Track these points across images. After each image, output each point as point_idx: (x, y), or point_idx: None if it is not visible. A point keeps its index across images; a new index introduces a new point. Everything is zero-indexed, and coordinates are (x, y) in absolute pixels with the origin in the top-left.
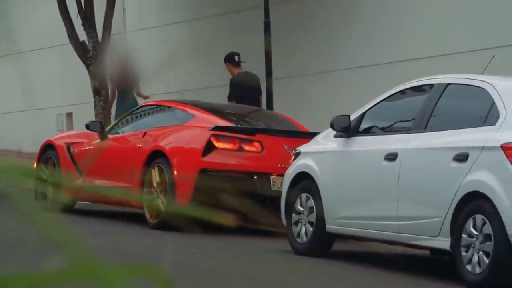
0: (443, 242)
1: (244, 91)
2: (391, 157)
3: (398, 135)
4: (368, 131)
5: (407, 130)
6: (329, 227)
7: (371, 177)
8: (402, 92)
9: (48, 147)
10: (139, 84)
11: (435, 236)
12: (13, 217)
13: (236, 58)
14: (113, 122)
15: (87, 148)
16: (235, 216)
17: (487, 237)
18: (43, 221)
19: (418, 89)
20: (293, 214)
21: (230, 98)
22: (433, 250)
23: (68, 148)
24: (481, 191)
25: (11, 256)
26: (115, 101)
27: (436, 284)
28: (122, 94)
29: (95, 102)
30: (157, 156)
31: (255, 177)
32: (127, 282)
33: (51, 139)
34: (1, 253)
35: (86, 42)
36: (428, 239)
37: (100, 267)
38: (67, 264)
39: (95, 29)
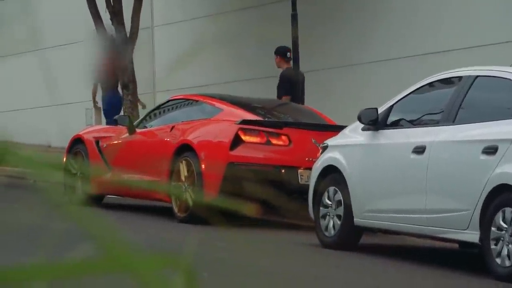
0: (472, 235)
1: (292, 87)
2: (420, 150)
3: (426, 128)
4: (396, 124)
5: (436, 123)
6: (357, 220)
7: (399, 170)
8: (430, 84)
9: (77, 141)
10: (122, 79)
11: (464, 229)
12: (40, 210)
13: (288, 54)
14: (103, 118)
15: (116, 142)
16: (260, 207)
17: None
18: (75, 213)
19: (447, 81)
20: (321, 208)
21: (282, 93)
22: (462, 243)
23: (97, 142)
24: (510, 184)
25: (36, 248)
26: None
27: (465, 277)
28: (108, 89)
29: (123, 96)
30: (185, 150)
31: (283, 170)
32: (157, 272)
33: (80, 134)
34: (26, 246)
35: (114, 37)
36: (457, 232)
37: (128, 257)
38: (93, 254)
39: (123, 24)
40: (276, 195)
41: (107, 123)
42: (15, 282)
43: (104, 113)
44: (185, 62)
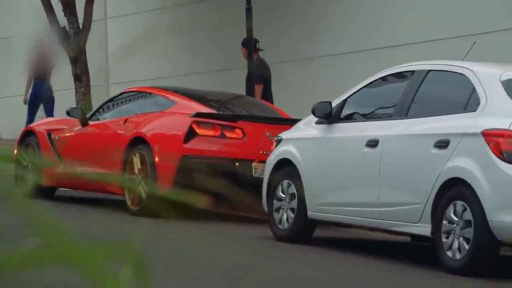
0: (424, 228)
1: (265, 77)
2: (373, 143)
3: (379, 121)
4: (349, 118)
5: (388, 117)
6: (311, 213)
7: (353, 163)
8: (383, 78)
9: (29, 133)
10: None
11: (416, 222)
12: None
13: (257, 44)
14: (27, 110)
15: (68, 134)
16: (214, 200)
17: (467, 223)
18: (19, 205)
19: (399, 75)
20: (275, 201)
21: (259, 80)
22: (414, 237)
23: (49, 134)
24: (461, 177)
25: None
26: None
27: (417, 270)
28: (38, 81)
29: (76, 88)
30: (138, 143)
31: (237, 163)
32: (102, 262)
33: (31, 126)
34: None
35: (67, 28)
36: (409, 225)
37: (74, 248)
38: (40, 245)
39: (75, 15)
40: (230, 188)
41: (28, 115)
42: None
43: (28, 104)
44: (133, 50)
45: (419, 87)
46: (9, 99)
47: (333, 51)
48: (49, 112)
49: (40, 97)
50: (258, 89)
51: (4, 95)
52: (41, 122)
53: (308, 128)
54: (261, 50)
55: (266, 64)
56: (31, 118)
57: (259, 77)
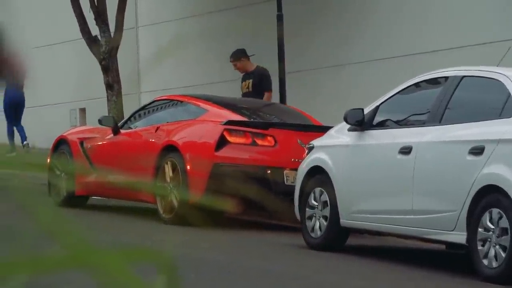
0: (459, 236)
1: (269, 86)
2: (406, 150)
3: (412, 128)
4: (382, 125)
5: (422, 123)
6: (343, 221)
7: (386, 170)
8: (417, 85)
9: (61, 142)
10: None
11: (451, 230)
12: (19, 211)
13: (248, 52)
14: (6, 119)
15: (100, 143)
16: (245, 207)
17: (503, 231)
18: (43, 214)
19: (433, 81)
20: (307, 209)
21: (268, 87)
22: (449, 245)
23: (81, 143)
24: (497, 184)
25: (12, 247)
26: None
27: (452, 278)
28: (9, 87)
29: (108, 97)
30: (170, 151)
31: (269, 171)
32: (128, 267)
33: (64, 135)
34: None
35: (99, 37)
36: (444, 233)
37: (99, 253)
38: (66, 251)
39: (107, 24)
40: (262, 195)
41: (7, 125)
42: None
43: (5, 112)
44: (164, 56)
45: (453, 93)
46: (41, 109)
47: (366, 58)
48: (20, 117)
49: (14, 103)
50: (270, 96)
51: (36, 104)
52: (73, 130)
53: (340, 135)
54: (252, 55)
55: (268, 73)
56: (11, 126)
57: (270, 86)
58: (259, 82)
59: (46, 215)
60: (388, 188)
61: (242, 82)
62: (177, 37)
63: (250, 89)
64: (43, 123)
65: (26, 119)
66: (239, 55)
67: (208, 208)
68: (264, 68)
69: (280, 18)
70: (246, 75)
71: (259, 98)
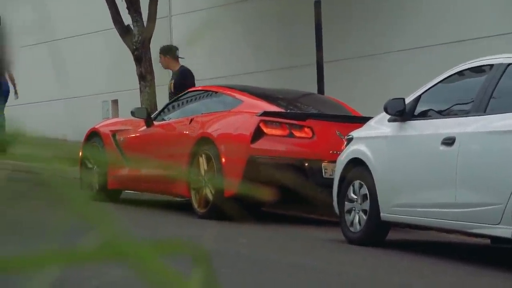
0: (505, 230)
1: (191, 85)
2: (449, 141)
3: (455, 118)
4: (424, 115)
5: (466, 113)
6: (384, 215)
7: (428, 162)
8: (460, 73)
9: (93, 135)
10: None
11: (496, 224)
12: (54, 206)
13: (177, 52)
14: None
15: (133, 135)
16: (281, 199)
17: None
18: (82, 206)
19: (477, 70)
20: (346, 202)
21: (183, 88)
22: (494, 239)
23: (114, 135)
24: None
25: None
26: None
27: (497, 273)
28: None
29: (140, 88)
30: (204, 143)
31: (306, 164)
32: (162, 259)
33: (96, 127)
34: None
35: (131, 26)
36: (488, 227)
37: (133, 245)
38: (99, 243)
39: (140, 13)
40: (299, 188)
41: None
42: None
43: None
44: (196, 38)
45: (498, 82)
46: (73, 100)
47: (408, 46)
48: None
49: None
50: None
51: (68, 96)
52: (106, 123)
53: (380, 126)
54: (181, 58)
55: (192, 74)
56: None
57: (189, 87)
58: (179, 83)
59: (85, 207)
60: (430, 181)
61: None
62: (207, 22)
63: (172, 89)
64: (75, 115)
65: (57, 111)
66: (166, 51)
67: (244, 202)
68: (187, 69)
69: (318, 5)
70: (172, 74)
71: None
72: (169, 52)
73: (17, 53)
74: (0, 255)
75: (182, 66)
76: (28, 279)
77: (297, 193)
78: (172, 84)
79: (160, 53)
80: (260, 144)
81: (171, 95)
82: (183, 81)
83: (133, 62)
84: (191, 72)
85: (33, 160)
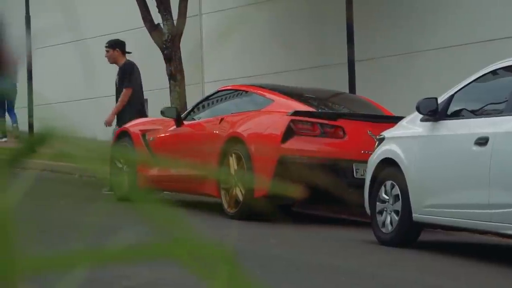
0: None
1: (137, 81)
2: (482, 141)
3: (489, 118)
4: (457, 114)
5: (499, 113)
6: (416, 216)
7: (461, 163)
8: (494, 72)
9: (123, 134)
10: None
11: None
12: (87, 205)
13: (125, 47)
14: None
15: (162, 135)
16: (311, 199)
17: None
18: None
19: (511, 69)
20: (378, 203)
21: (126, 85)
22: None
23: (144, 135)
24: None
25: (75, 238)
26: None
27: None
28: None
29: (170, 87)
30: (234, 143)
31: (337, 164)
32: (192, 260)
33: (126, 127)
34: (65, 237)
35: (161, 25)
36: None
37: (163, 245)
38: (131, 243)
39: (170, 11)
40: (330, 188)
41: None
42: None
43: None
44: (227, 34)
45: None
46: (101, 100)
47: (440, 44)
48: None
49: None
50: (127, 93)
51: (97, 95)
52: (135, 122)
53: (412, 126)
54: (128, 53)
55: (137, 68)
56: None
57: (129, 82)
58: (120, 78)
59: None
60: (463, 181)
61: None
62: (236, 19)
63: (117, 85)
64: (104, 115)
65: (87, 111)
66: (114, 45)
67: (274, 202)
68: (133, 63)
69: (349, 2)
70: (118, 70)
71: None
72: (118, 45)
73: (44, 54)
74: (31, 254)
75: (128, 60)
76: (58, 279)
77: (328, 193)
78: (116, 80)
79: (108, 46)
80: (291, 144)
81: (117, 90)
82: (129, 75)
83: (163, 61)
84: (137, 66)
85: (64, 159)
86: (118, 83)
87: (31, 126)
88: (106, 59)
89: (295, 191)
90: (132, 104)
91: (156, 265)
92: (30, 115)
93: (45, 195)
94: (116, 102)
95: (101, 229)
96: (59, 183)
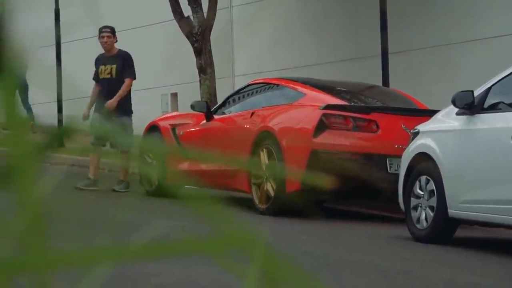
0: None
1: (133, 70)
2: None
3: None
4: (494, 108)
5: None
6: (452, 211)
7: (498, 157)
8: None
9: (153, 129)
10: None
11: None
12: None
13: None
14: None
15: (193, 129)
16: (344, 194)
17: None
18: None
19: None
20: (412, 198)
21: (134, 75)
22: None
23: (173, 129)
24: None
25: (98, 235)
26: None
27: None
28: None
29: (200, 81)
30: (265, 137)
31: (371, 158)
32: (224, 253)
33: (155, 121)
34: (91, 234)
35: (191, 17)
36: None
37: (192, 241)
38: (157, 239)
39: (200, 4)
40: (363, 183)
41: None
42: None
43: None
44: (257, 19)
45: None
46: (132, 94)
47: (476, 36)
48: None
49: None
50: (131, 84)
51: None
52: (165, 116)
53: (447, 119)
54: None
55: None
56: None
57: (134, 72)
58: (122, 68)
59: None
60: (500, 176)
61: (100, 66)
62: (261, 10)
63: (114, 75)
64: (134, 109)
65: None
66: (114, 32)
67: (306, 197)
68: (127, 53)
69: None
70: (107, 59)
71: (120, 86)
72: (115, 33)
73: (73, 48)
74: (57, 249)
75: (120, 50)
76: (82, 275)
77: (361, 188)
78: (114, 70)
79: (110, 32)
80: (323, 138)
81: (109, 81)
82: (133, 65)
83: (193, 55)
84: (131, 56)
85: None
86: (118, 71)
87: (60, 121)
88: (105, 44)
89: (327, 181)
90: (129, 95)
91: (187, 263)
92: (59, 111)
93: (72, 190)
94: (107, 91)
95: (129, 224)
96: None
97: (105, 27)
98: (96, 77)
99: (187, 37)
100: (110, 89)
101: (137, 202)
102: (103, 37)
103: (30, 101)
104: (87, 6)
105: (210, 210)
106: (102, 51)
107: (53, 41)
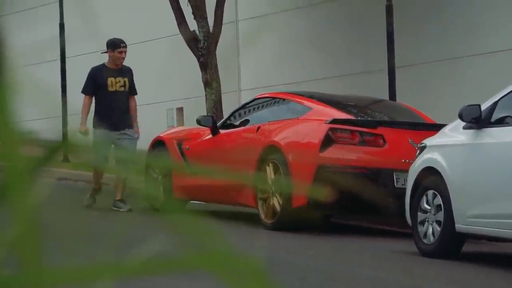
0: None
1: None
2: None
3: None
4: (501, 122)
5: None
6: (459, 226)
7: (506, 171)
8: None
9: (158, 143)
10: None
11: None
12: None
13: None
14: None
15: (199, 144)
16: (351, 209)
17: None
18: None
19: None
20: (419, 213)
21: (136, 92)
22: None
23: (179, 144)
24: None
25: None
26: None
27: None
28: None
29: (206, 95)
30: (272, 152)
31: (377, 173)
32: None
33: (161, 135)
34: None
35: (197, 32)
36: None
37: (191, 257)
38: (154, 255)
39: (206, 18)
40: (370, 198)
41: None
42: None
43: None
44: (259, 32)
45: None
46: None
47: (482, 50)
48: None
49: None
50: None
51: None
52: (171, 131)
53: (454, 133)
54: (104, 52)
55: None
56: None
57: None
58: (131, 83)
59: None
60: (507, 190)
61: (108, 78)
62: (262, 26)
63: (126, 88)
64: (139, 124)
65: None
66: (111, 46)
67: (313, 212)
68: (130, 67)
69: (389, 8)
70: (117, 72)
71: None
72: (114, 46)
73: (78, 62)
74: (53, 267)
75: (123, 65)
76: None
77: (368, 203)
78: (126, 83)
79: (125, 47)
80: (329, 153)
81: (125, 94)
82: (133, 82)
83: (199, 69)
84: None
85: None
86: (128, 88)
87: (65, 136)
88: (122, 59)
89: (331, 195)
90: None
91: (195, 278)
92: (64, 125)
93: (69, 203)
94: (121, 103)
95: (128, 240)
96: (84, 192)
97: (122, 41)
98: (91, 89)
99: (192, 51)
100: (124, 101)
101: (138, 217)
102: (121, 52)
103: (31, 116)
104: (90, 20)
105: (187, 223)
106: (96, 63)
107: (57, 55)
